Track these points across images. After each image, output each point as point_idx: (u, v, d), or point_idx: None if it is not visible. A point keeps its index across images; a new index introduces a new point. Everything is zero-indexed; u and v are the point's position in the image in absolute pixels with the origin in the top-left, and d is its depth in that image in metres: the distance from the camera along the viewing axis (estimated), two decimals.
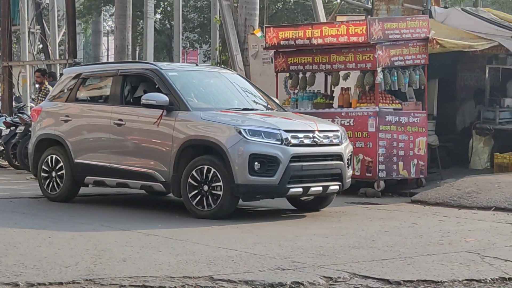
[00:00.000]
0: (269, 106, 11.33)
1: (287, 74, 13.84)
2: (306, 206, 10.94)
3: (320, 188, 10.14)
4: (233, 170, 9.68)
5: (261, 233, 8.85)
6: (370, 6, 16.59)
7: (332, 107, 13.21)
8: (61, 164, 11.41)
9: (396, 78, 12.74)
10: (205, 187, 9.89)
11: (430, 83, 14.19)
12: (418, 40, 12.92)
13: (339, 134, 10.44)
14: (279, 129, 9.88)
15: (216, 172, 9.80)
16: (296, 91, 13.66)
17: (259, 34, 15.58)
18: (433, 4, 15.14)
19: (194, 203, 9.97)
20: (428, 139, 13.41)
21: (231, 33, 16.89)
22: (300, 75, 13.57)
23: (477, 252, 7.82)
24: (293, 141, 9.87)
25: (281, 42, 13.36)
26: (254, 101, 11.33)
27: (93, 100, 11.97)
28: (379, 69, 12.49)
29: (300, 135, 10.00)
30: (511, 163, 13.93)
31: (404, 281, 6.58)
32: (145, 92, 10.97)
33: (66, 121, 11.54)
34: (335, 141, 10.33)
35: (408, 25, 12.84)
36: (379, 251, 7.83)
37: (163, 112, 10.35)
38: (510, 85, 15.49)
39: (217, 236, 8.64)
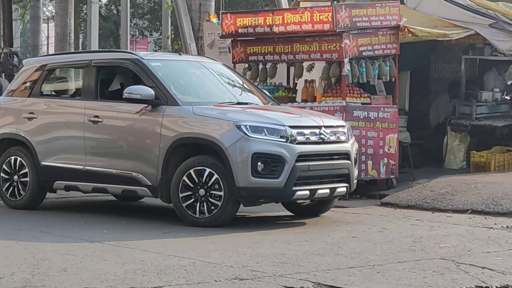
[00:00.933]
0: (262, 99, 11.17)
1: (246, 65, 13.83)
2: (304, 211, 10.77)
3: (328, 190, 9.98)
4: (233, 171, 9.46)
5: (217, 240, 8.85)
6: None
7: (295, 101, 13.23)
8: (25, 167, 11.13)
9: (364, 69, 12.79)
10: (201, 191, 9.64)
11: (402, 75, 14.28)
12: (389, 28, 12.99)
13: (345, 130, 10.33)
14: (283, 125, 9.71)
15: (214, 174, 9.57)
16: (256, 84, 13.66)
17: (215, 20, 15.56)
18: None
19: (187, 209, 9.72)
20: (399, 136, 13.49)
21: (184, 19, 16.83)
22: (260, 66, 13.58)
23: (452, 259, 7.89)
24: (299, 138, 9.70)
25: (239, 30, 13.35)
26: (246, 94, 11.19)
27: (62, 94, 11.77)
28: (346, 60, 12.53)
29: (306, 131, 9.84)
30: (489, 162, 14.06)
31: None
32: (121, 85, 10.81)
33: (30, 118, 11.25)
34: (342, 138, 10.22)
35: (378, 11, 12.91)
36: (346, 259, 7.87)
37: (147, 106, 10.10)
38: (488, 77, 15.63)
39: (168, 243, 8.62)
